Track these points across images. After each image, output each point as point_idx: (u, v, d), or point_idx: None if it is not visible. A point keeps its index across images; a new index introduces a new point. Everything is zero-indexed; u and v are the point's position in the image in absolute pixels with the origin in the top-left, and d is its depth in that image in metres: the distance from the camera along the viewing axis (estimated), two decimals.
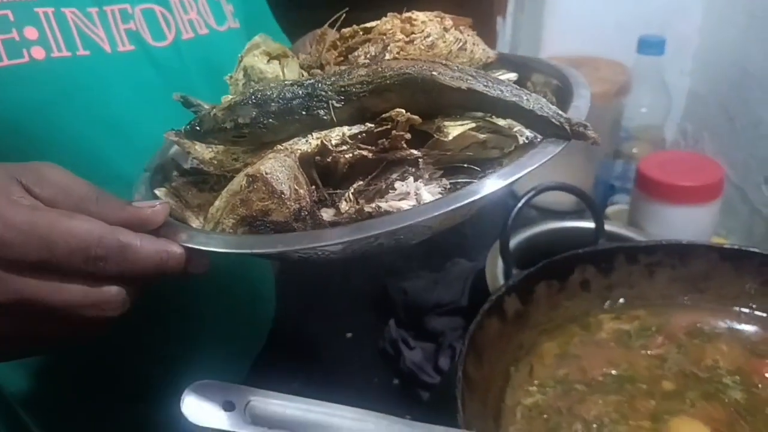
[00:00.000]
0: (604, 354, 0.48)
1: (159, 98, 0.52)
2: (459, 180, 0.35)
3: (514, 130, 0.37)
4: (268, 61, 0.42)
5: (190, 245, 0.33)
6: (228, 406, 0.29)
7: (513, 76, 0.44)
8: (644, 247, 0.53)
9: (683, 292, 0.53)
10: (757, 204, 0.83)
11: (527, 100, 0.34)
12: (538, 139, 0.35)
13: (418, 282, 0.70)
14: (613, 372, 0.47)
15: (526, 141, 0.36)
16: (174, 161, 0.45)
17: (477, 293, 0.65)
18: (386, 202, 0.33)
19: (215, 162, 0.40)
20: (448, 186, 0.34)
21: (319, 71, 0.41)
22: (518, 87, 0.36)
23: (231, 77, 0.43)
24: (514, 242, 0.64)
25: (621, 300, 0.53)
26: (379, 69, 0.35)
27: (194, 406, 0.28)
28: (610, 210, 0.85)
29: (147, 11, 0.54)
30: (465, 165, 0.35)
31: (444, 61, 0.36)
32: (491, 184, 0.31)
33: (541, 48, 1.02)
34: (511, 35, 1.13)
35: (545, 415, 0.43)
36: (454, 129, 0.35)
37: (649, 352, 0.49)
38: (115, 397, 0.57)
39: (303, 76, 0.41)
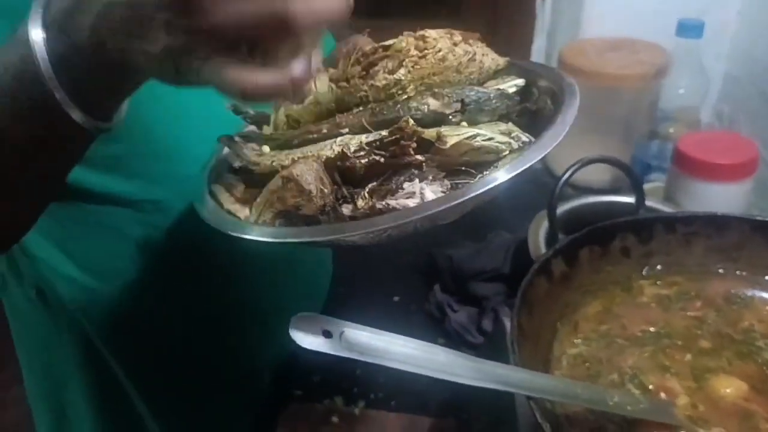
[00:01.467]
0: (644, 314, 0.52)
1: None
2: (459, 180, 0.42)
3: (512, 134, 0.44)
4: None
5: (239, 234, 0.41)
6: (327, 334, 0.34)
7: (521, 81, 0.50)
8: (682, 218, 0.57)
9: (718, 261, 0.57)
10: None
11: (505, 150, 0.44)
12: (533, 142, 0.42)
13: (463, 251, 0.74)
14: (652, 329, 0.51)
15: (521, 145, 0.43)
16: (226, 161, 0.52)
17: (519, 261, 0.69)
18: (396, 200, 0.40)
19: (258, 163, 0.48)
20: (449, 186, 0.41)
21: (345, 83, 0.48)
22: (494, 127, 0.44)
23: None
24: (560, 212, 0.67)
25: (659, 267, 0.57)
26: (370, 112, 0.45)
27: (300, 333, 0.33)
28: (647, 187, 0.87)
29: None
30: (463, 168, 0.43)
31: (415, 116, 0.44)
32: (478, 187, 0.39)
33: (580, 30, 1.05)
34: (550, 17, 1.15)
35: (587, 364, 0.48)
36: (451, 138, 0.42)
37: (688, 313, 0.52)
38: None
39: (332, 88, 0.48)
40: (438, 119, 0.45)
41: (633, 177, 0.58)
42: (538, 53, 1.20)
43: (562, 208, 0.71)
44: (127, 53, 0.31)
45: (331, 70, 0.49)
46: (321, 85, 0.48)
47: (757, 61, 0.96)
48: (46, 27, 0.32)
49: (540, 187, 0.65)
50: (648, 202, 0.70)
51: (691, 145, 0.73)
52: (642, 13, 0.99)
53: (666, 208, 0.70)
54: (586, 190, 0.90)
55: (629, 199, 0.65)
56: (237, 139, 0.51)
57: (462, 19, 2.11)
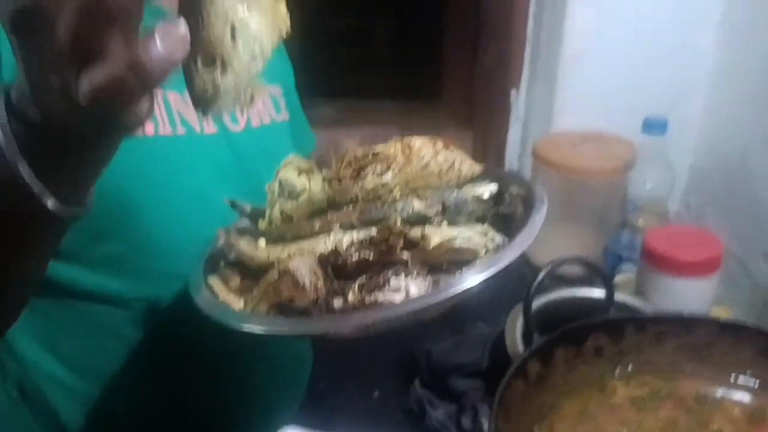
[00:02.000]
0: (618, 415, 0.53)
1: (231, 174, 0.61)
2: (440, 276, 0.45)
3: (488, 235, 0.48)
4: (299, 174, 0.52)
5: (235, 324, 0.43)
6: None
7: (494, 186, 0.54)
8: (651, 318, 0.59)
9: (688, 360, 0.58)
10: (757, 277, 0.89)
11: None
12: (509, 243, 0.45)
13: (441, 345, 0.75)
14: (626, 430, 0.52)
15: (496, 246, 0.46)
16: (222, 252, 0.53)
17: (497, 356, 0.70)
18: (383, 294, 0.43)
19: (254, 257, 0.50)
20: (432, 281, 0.45)
21: (337, 183, 0.52)
22: (472, 233, 0.48)
23: (269, 186, 0.53)
24: (534, 306, 0.69)
25: (630, 366, 0.58)
26: (359, 213, 0.49)
27: None
28: (618, 278, 0.90)
29: None
30: (444, 266, 0.46)
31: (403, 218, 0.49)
32: (458, 286, 0.42)
33: (552, 121, 1.10)
34: (524, 107, 1.21)
35: None
36: (434, 239, 0.46)
37: (660, 415, 0.53)
38: None
39: (325, 187, 0.52)
40: (421, 220, 0.49)
41: (603, 276, 0.61)
42: (513, 141, 1.25)
43: (537, 302, 0.72)
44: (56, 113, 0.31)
45: (325, 171, 0.53)
46: (315, 185, 0.51)
47: (722, 155, 1.01)
48: (8, 110, 0.32)
49: (517, 277, 0.67)
50: (619, 297, 0.72)
51: (658, 240, 0.76)
52: (610, 108, 1.05)
53: (637, 302, 0.72)
54: (562, 280, 0.92)
55: (601, 293, 0.67)
56: (233, 232, 0.52)
57: (442, 105, 2.20)
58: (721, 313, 0.85)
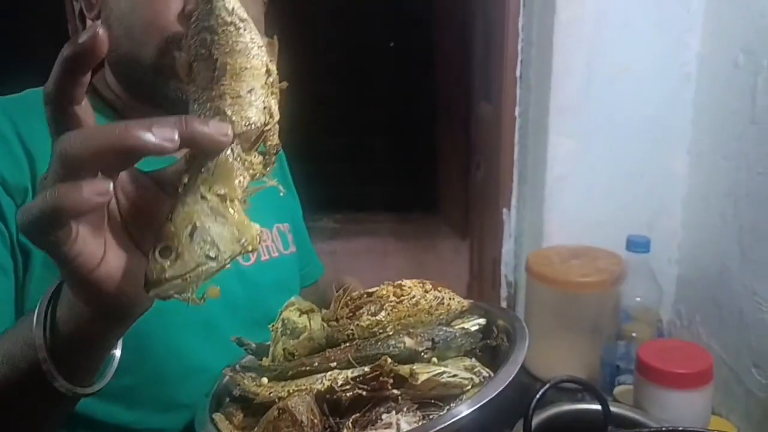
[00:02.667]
0: None
1: (242, 306, 0.66)
2: (429, 412, 0.49)
3: (475, 370, 0.52)
4: (300, 315, 0.58)
5: None
6: None
7: (482, 321, 0.60)
8: None
9: None
10: (750, 386, 0.92)
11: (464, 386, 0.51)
12: (493, 377, 0.50)
13: None
14: None
15: (482, 380, 0.51)
16: (227, 389, 0.58)
17: None
18: (375, 430, 0.46)
19: (257, 393, 0.54)
20: (421, 417, 0.48)
21: (335, 323, 0.56)
22: (458, 370, 0.52)
23: (273, 326, 0.59)
24: (536, 421, 0.71)
25: None
26: (355, 349, 0.53)
27: None
28: (617, 390, 0.93)
29: None
30: (432, 401, 0.50)
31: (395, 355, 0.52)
32: (444, 424, 0.46)
33: (543, 238, 1.17)
34: (515, 225, 1.29)
35: None
36: (422, 375, 0.49)
37: None
38: None
39: (324, 326, 0.56)
40: (412, 356, 0.53)
41: (596, 394, 0.64)
42: (508, 255, 1.32)
43: (539, 417, 0.75)
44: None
45: (324, 311, 0.58)
46: (315, 324, 0.56)
47: (704, 268, 1.07)
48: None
49: (519, 389, 0.70)
50: (618, 409, 0.75)
51: (651, 354, 0.79)
52: (597, 224, 1.12)
53: (634, 415, 0.75)
54: (563, 392, 0.94)
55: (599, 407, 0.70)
56: (238, 369, 0.56)
57: (439, 216, 2.30)
58: (719, 424, 0.87)
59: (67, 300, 0.39)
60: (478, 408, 0.46)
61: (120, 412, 0.60)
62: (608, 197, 1.12)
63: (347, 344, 0.55)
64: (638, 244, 0.98)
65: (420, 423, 0.47)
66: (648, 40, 1.06)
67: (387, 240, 2.34)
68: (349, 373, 0.51)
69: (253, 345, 0.59)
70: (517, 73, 1.25)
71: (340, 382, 0.50)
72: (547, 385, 0.61)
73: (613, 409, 0.71)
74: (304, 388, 0.51)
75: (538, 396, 0.60)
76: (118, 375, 0.59)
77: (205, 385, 0.58)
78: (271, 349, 0.57)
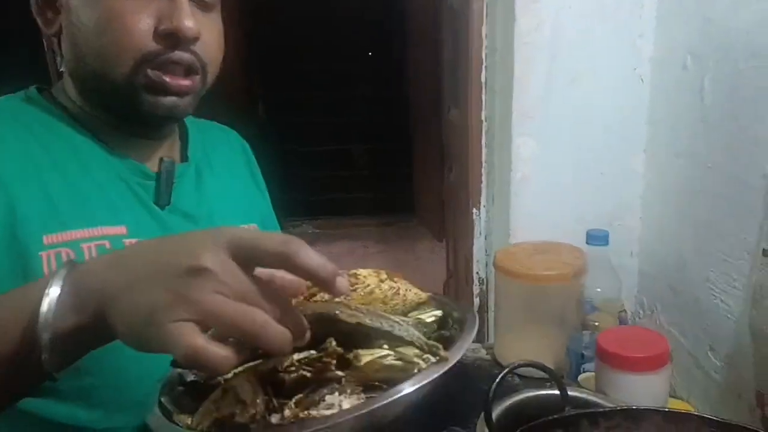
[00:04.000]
0: None
1: None
2: (373, 395, 0.48)
3: (424, 356, 0.52)
4: None
5: None
6: None
7: (439, 312, 0.61)
8: (602, 413, 0.66)
9: None
10: (707, 369, 0.97)
11: (399, 329, 0.52)
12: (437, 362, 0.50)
13: None
14: None
15: (432, 363, 0.50)
16: (180, 376, 0.58)
17: None
18: (318, 410, 0.46)
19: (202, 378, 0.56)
20: (365, 398, 0.48)
21: None
22: (397, 321, 0.53)
23: None
24: (500, 408, 0.76)
25: None
26: (302, 309, 0.51)
27: None
28: (582, 377, 0.97)
29: None
30: (377, 383, 0.50)
31: (346, 304, 0.53)
32: (381, 402, 0.45)
33: (510, 235, 1.22)
34: (485, 224, 1.34)
35: None
36: (365, 357, 0.50)
37: None
38: None
39: None
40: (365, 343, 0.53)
41: (554, 378, 0.68)
42: (479, 252, 1.36)
43: (505, 403, 0.79)
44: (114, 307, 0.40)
45: None
46: None
47: (662, 259, 1.13)
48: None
49: (490, 378, 0.74)
50: (580, 394, 0.79)
51: (609, 340, 0.84)
52: (559, 221, 1.17)
53: (596, 399, 0.79)
54: (529, 381, 0.99)
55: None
56: None
57: (416, 220, 2.35)
58: (677, 405, 0.91)
59: (76, 317, 0.42)
60: (418, 389, 0.46)
61: (79, 412, 0.62)
62: (570, 195, 1.17)
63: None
64: (597, 238, 1.03)
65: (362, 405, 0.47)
66: (603, 46, 1.12)
67: (367, 243, 2.38)
68: (295, 356, 0.50)
69: None
70: (483, 79, 1.30)
71: (285, 364, 0.50)
72: (506, 370, 0.65)
73: (574, 394, 0.75)
74: (249, 369, 0.51)
75: (497, 380, 0.64)
76: (79, 376, 0.61)
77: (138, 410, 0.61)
78: None
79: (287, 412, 0.47)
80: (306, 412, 0.46)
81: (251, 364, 0.52)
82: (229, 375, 0.51)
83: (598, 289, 1.05)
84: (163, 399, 0.54)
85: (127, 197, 0.70)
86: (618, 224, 1.19)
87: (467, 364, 1.15)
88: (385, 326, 0.52)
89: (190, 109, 0.71)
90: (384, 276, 0.60)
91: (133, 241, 0.66)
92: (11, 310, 0.43)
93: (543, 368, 0.68)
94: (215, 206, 0.78)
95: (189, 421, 0.51)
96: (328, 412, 0.46)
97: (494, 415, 0.68)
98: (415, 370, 0.50)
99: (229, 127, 0.94)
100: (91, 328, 0.42)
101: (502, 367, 0.67)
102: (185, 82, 0.68)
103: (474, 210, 1.34)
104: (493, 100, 1.28)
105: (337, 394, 0.47)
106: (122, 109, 0.70)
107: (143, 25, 0.64)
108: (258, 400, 0.48)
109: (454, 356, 0.51)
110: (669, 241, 1.09)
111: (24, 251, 0.60)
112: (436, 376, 0.48)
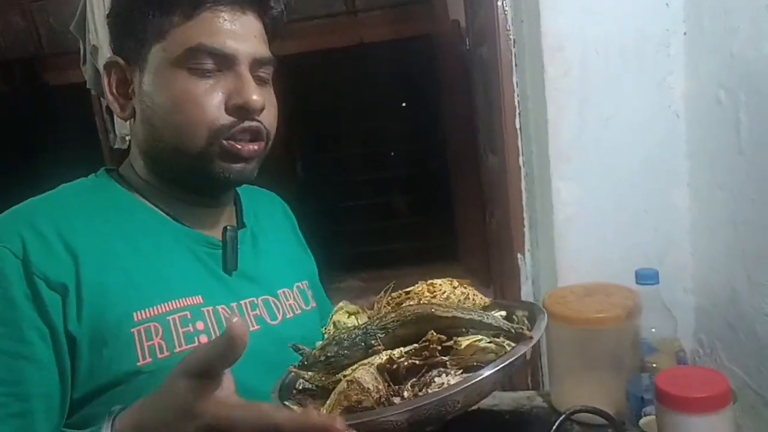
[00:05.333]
0: None
1: (273, 363, 0.72)
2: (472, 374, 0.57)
3: (505, 343, 0.60)
4: (349, 316, 0.68)
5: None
6: None
7: (503, 313, 0.67)
8: None
9: None
10: None
11: (487, 319, 0.61)
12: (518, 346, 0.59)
13: None
14: None
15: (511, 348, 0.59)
16: (290, 385, 0.67)
17: None
18: (430, 389, 0.56)
19: (317, 382, 0.64)
20: (465, 377, 0.57)
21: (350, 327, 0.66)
22: (484, 313, 0.62)
23: (325, 329, 0.68)
24: None
25: None
26: (402, 312, 0.61)
27: None
28: (643, 421, 0.94)
29: (265, 301, 0.77)
30: (474, 364, 0.59)
31: (439, 303, 0.62)
32: (482, 377, 0.55)
33: (558, 278, 1.22)
34: (531, 268, 1.34)
35: None
36: (464, 342, 0.58)
37: None
38: None
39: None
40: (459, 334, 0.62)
41: (611, 421, 0.67)
42: (526, 297, 1.36)
43: None
44: None
45: (369, 312, 0.68)
46: (362, 322, 0.67)
47: (717, 295, 1.10)
48: None
49: (548, 426, 0.74)
50: None
51: (668, 381, 0.82)
52: (607, 262, 1.16)
53: None
54: (589, 426, 0.97)
55: None
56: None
57: (460, 266, 2.35)
58: None
59: None
60: (510, 363, 0.56)
61: None
62: (616, 235, 1.17)
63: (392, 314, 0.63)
64: (647, 276, 1.02)
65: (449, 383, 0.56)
66: (633, 86, 1.14)
67: None
68: (404, 349, 0.59)
69: (307, 350, 0.66)
70: (517, 125, 1.33)
71: (396, 355, 0.59)
72: (563, 416, 0.65)
73: None
74: (366, 363, 0.59)
75: (554, 427, 0.64)
76: None
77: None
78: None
79: (406, 394, 0.56)
80: (422, 393, 0.55)
81: (365, 360, 0.60)
82: (348, 372, 0.60)
83: (653, 330, 1.03)
84: (288, 403, 0.62)
85: (197, 267, 0.75)
86: (668, 261, 1.17)
87: (523, 412, 1.13)
88: (476, 317, 0.61)
89: (255, 172, 0.78)
90: (456, 283, 0.69)
91: (210, 309, 0.70)
92: None
93: (600, 413, 0.68)
94: (271, 269, 0.83)
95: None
96: (440, 390, 0.55)
97: None
98: (502, 353, 0.58)
99: (269, 191, 1.00)
100: None
101: (560, 415, 0.67)
102: (254, 147, 0.75)
103: (519, 255, 1.35)
104: (529, 144, 1.30)
105: (444, 375, 0.57)
106: (195, 179, 0.76)
107: (215, 102, 0.71)
108: (380, 386, 0.57)
109: (536, 335, 0.60)
110: (721, 276, 1.07)
111: (115, 330, 0.65)
112: (524, 351, 0.57)
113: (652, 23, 1.12)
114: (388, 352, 0.60)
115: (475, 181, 1.96)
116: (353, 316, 0.68)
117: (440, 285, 0.67)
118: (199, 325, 0.68)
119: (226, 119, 0.72)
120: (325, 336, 0.66)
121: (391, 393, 0.56)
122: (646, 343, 1.07)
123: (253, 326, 0.74)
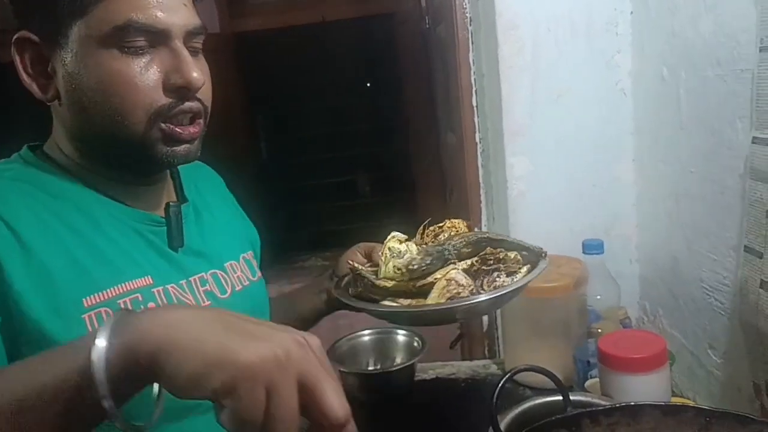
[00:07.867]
0: None
1: None
2: (515, 277, 0.78)
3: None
4: (400, 243, 0.82)
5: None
6: None
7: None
8: (602, 411, 0.69)
9: None
10: (708, 366, 1.00)
11: (515, 238, 0.86)
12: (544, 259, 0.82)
13: None
14: None
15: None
16: (346, 288, 0.87)
17: None
18: (499, 282, 0.76)
19: (402, 287, 0.79)
20: (513, 279, 0.77)
21: (425, 246, 0.83)
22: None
23: (381, 252, 0.81)
24: (509, 416, 0.79)
25: None
26: (467, 236, 0.81)
27: None
28: (588, 383, 1.00)
29: (214, 275, 0.78)
30: (515, 269, 0.79)
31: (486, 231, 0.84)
32: (527, 279, 0.77)
33: None
34: None
35: None
36: (510, 254, 0.80)
37: None
38: None
39: (418, 248, 0.83)
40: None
41: (555, 381, 0.72)
42: None
43: (515, 411, 0.82)
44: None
45: (414, 239, 0.86)
46: (411, 247, 0.82)
47: (659, 264, 1.16)
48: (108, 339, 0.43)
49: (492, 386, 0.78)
50: (586, 398, 0.82)
51: (609, 344, 0.87)
52: (558, 234, 1.21)
53: (600, 400, 0.82)
54: (536, 390, 1.02)
55: (575, 397, 0.77)
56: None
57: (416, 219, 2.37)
58: (679, 402, 0.94)
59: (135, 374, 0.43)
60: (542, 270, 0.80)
61: None
62: (565, 208, 1.21)
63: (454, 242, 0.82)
64: (592, 247, 1.07)
65: (513, 281, 0.77)
66: (583, 64, 1.18)
67: None
68: (473, 259, 0.79)
69: (365, 270, 0.83)
70: (474, 103, 1.36)
71: (470, 263, 0.78)
72: (508, 374, 0.69)
73: (578, 398, 0.79)
74: (454, 267, 0.78)
75: (500, 383, 0.68)
76: None
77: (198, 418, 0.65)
78: (383, 268, 0.79)
79: (485, 287, 0.76)
80: (494, 286, 0.76)
81: (444, 269, 0.77)
82: (439, 275, 0.76)
83: (599, 297, 1.08)
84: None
85: (143, 247, 0.72)
86: (614, 233, 1.23)
87: (479, 379, 1.18)
88: (511, 239, 0.85)
89: (199, 151, 0.74)
90: (466, 223, 0.88)
91: (160, 289, 0.70)
92: (66, 354, 0.46)
93: (542, 371, 0.72)
94: (217, 242, 0.82)
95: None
96: (507, 282, 0.76)
97: (503, 422, 0.72)
98: (528, 264, 0.81)
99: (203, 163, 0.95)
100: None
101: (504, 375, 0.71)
102: (194, 129, 0.71)
103: (476, 229, 1.38)
104: (485, 122, 1.34)
105: (503, 275, 0.77)
106: (136, 164, 0.72)
107: (151, 82, 0.67)
108: (470, 282, 0.76)
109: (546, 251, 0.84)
110: (663, 246, 1.13)
111: (67, 316, 0.62)
112: (546, 263, 0.81)
113: (600, 2, 1.15)
114: (464, 261, 0.78)
115: (436, 160, 1.99)
116: (404, 243, 0.82)
117: (459, 223, 0.87)
118: (151, 307, 0.67)
119: (165, 100, 0.67)
120: (382, 258, 0.79)
121: (477, 286, 0.75)
122: (593, 310, 1.12)
123: (204, 302, 0.74)
